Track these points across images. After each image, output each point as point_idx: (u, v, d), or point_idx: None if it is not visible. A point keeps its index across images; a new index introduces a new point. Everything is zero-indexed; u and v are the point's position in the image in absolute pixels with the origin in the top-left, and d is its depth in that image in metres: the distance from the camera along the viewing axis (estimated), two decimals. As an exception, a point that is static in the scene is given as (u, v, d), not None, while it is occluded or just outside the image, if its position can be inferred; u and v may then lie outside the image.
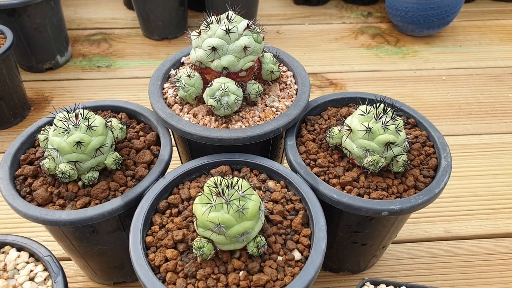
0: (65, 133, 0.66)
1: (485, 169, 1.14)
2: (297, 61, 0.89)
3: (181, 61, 0.90)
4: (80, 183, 0.71)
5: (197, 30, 0.76)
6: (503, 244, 0.96)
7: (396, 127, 0.68)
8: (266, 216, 0.65)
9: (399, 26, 1.69)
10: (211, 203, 0.56)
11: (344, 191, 0.69)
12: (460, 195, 1.07)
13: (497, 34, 1.71)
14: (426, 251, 0.95)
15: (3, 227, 0.99)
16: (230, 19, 0.73)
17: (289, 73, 0.87)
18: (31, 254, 0.65)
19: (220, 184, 0.57)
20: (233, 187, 0.57)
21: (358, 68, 1.54)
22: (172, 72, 0.87)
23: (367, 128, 0.68)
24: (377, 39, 1.69)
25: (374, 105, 0.70)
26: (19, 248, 0.65)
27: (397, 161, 0.69)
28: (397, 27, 1.73)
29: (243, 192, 0.57)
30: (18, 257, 0.64)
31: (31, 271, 0.63)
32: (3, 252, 0.65)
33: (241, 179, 0.59)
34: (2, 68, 1.15)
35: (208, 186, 0.57)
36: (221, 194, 0.56)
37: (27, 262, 0.64)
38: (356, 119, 0.70)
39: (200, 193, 0.59)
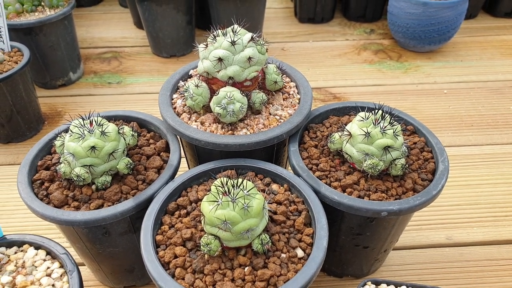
0: (80, 138, 0.71)
1: (486, 178, 1.16)
2: (299, 72, 0.93)
3: (189, 73, 0.94)
4: (93, 186, 0.75)
5: (204, 43, 0.81)
6: (506, 250, 0.98)
7: (394, 132, 0.71)
8: (270, 217, 0.68)
9: (401, 42, 1.74)
10: (217, 201, 0.59)
11: (345, 193, 0.72)
12: (462, 203, 1.09)
13: (498, 49, 1.75)
14: (428, 257, 0.97)
15: (21, 230, 1.03)
16: (235, 32, 0.78)
17: (292, 84, 0.92)
18: (48, 252, 0.69)
19: (226, 184, 0.61)
20: (239, 187, 0.61)
21: (361, 82, 1.58)
22: (181, 83, 0.92)
23: (366, 133, 0.71)
24: (379, 54, 1.74)
25: (373, 111, 0.74)
26: (37, 247, 0.69)
27: (396, 165, 0.72)
28: (399, 43, 1.78)
29: (247, 191, 0.60)
30: (36, 255, 0.68)
31: (48, 267, 0.66)
32: (22, 250, 0.69)
33: (245, 179, 0.62)
34: (19, 83, 1.21)
35: (215, 186, 0.61)
36: (227, 193, 0.60)
37: (44, 260, 0.67)
38: (356, 124, 0.74)
39: (207, 193, 0.62)
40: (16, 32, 1.35)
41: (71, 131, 0.72)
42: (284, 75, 0.93)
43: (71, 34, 1.48)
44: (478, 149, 1.26)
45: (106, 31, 1.93)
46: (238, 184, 0.61)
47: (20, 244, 0.69)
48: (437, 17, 1.57)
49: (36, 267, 0.66)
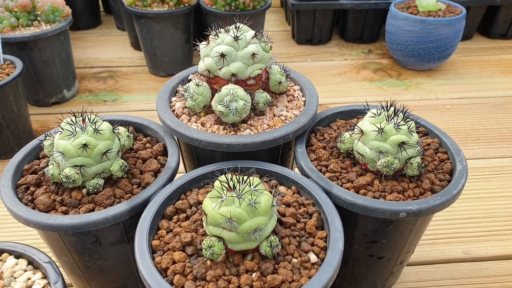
0: (72, 136, 0.65)
1: (498, 191, 1.11)
2: (303, 76, 0.90)
3: (189, 78, 0.90)
4: (84, 190, 0.69)
5: (205, 42, 0.77)
6: (527, 264, 0.91)
7: (408, 128, 0.67)
8: (278, 219, 0.62)
9: (400, 60, 1.73)
10: (222, 197, 0.54)
11: (359, 194, 0.66)
12: (476, 216, 1.03)
13: (496, 67, 1.75)
14: (446, 273, 0.90)
15: (8, 237, 0.96)
16: (238, 28, 0.74)
17: (296, 87, 0.88)
18: (30, 262, 0.61)
19: (231, 179, 0.55)
20: (245, 182, 0.55)
21: (361, 99, 1.55)
22: (180, 87, 0.87)
23: (379, 129, 0.66)
24: (379, 73, 1.72)
25: (385, 108, 0.69)
26: (18, 255, 0.62)
27: (411, 164, 0.67)
28: (398, 62, 1.77)
29: (254, 187, 0.55)
30: (16, 264, 0.61)
31: (29, 278, 0.59)
32: (0, 260, 0.62)
33: (252, 176, 0.57)
34: (9, 95, 1.17)
35: (220, 181, 0.55)
36: (233, 189, 0.54)
37: (25, 270, 0.60)
38: (367, 121, 0.69)
39: (211, 190, 0.56)
40: (10, 46, 1.31)
41: (61, 128, 0.66)
42: (288, 79, 0.89)
43: (66, 50, 1.45)
44: (487, 162, 1.22)
45: (103, 52, 1.91)
46: (244, 180, 0.55)
47: (-1, 252, 0.62)
48: (436, 34, 1.57)
49: (15, 278, 0.59)
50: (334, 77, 1.70)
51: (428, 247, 0.95)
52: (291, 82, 0.89)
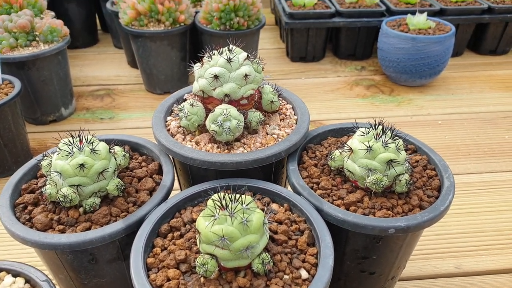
0: (69, 156, 0.67)
1: (489, 205, 1.13)
2: (295, 95, 0.92)
3: (184, 97, 0.92)
4: (81, 209, 0.70)
5: (199, 63, 0.80)
6: (518, 278, 0.93)
7: (396, 146, 0.69)
8: (270, 237, 0.64)
9: (392, 76, 1.76)
10: (214, 216, 0.55)
11: (349, 211, 0.68)
12: (468, 231, 1.05)
13: (486, 83, 1.78)
14: None
15: (3, 256, 0.97)
16: (231, 50, 0.77)
17: (288, 106, 0.90)
18: (27, 280, 0.62)
19: (224, 198, 0.57)
20: (237, 201, 0.57)
21: (355, 115, 1.58)
22: (175, 107, 0.90)
23: (367, 147, 0.68)
24: (371, 89, 1.76)
25: (373, 126, 0.71)
26: (15, 274, 0.63)
27: (400, 181, 0.69)
28: (390, 78, 1.80)
29: (246, 205, 0.56)
30: (14, 283, 0.62)
31: (26, 297, 0.60)
32: (-3, 279, 0.63)
33: (244, 194, 0.58)
34: (8, 115, 1.18)
35: (212, 200, 0.57)
36: (225, 207, 0.56)
37: (22, 289, 0.61)
38: (356, 140, 0.71)
39: (204, 209, 0.58)
40: (9, 66, 1.34)
41: (59, 148, 0.68)
42: (280, 98, 0.91)
43: (64, 69, 1.47)
44: (478, 177, 1.24)
45: (100, 70, 1.94)
46: (237, 198, 0.57)
47: (-4, 271, 0.64)
48: (426, 51, 1.61)
49: (12, 296, 0.60)
50: (327, 94, 1.73)
51: (420, 262, 0.97)
52: (283, 101, 0.92)
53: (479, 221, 1.07)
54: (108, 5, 1.84)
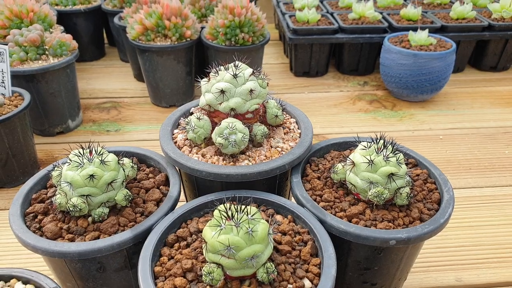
0: (79, 167, 0.69)
1: (489, 219, 1.14)
2: (299, 109, 0.95)
3: (190, 111, 0.95)
4: (90, 219, 0.72)
5: (206, 78, 0.82)
6: (518, 292, 0.93)
7: (397, 160, 0.71)
8: (274, 247, 0.65)
9: (395, 92, 1.79)
10: (220, 226, 0.57)
11: (351, 223, 0.70)
12: (467, 244, 1.06)
13: (487, 99, 1.81)
14: (439, 300, 0.92)
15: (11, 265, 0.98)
16: (237, 66, 0.79)
17: (292, 120, 0.92)
18: (37, 287, 0.64)
19: (230, 208, 0.59)
20: (242, 211, 0.58)
21: (357, 129, 1.60)
22: (182, 120, 0.92)
23: (369, 160, 0.70)
24: (374, 104, 1.78)
25: (375, 140, 0.74)
26: (25, 281, 0.64)
27: (401, 194, 0.71)
28: (392, 93, 1.83)
29: (252, 216, 0.58)
30: (24, 289, 0.63)
31: (36, 304, 0.61)
32: (8, 286, 0.64)
33: (249, 206, 0.60)
34: (17, 126, 1.21)
35: (219, 211, 0.59)
36: (231, 218, 0.58)
37: (32, 295, 0.63)
38: (358, 153, 0.73)
39: (210, 219, 0.60)
40: (19, 79, 1.37)
41: (69, 159, 0.70)
42: (284, 112, 0.94)
43: (72, 82, 1.51)
44: (479, 191, 1.25)
45: (107, 83, 1.98)
46: (242, 209, 0.59)
47: (7, 278, 0.65)
48: (428, 67, 1.64)
49: (23, 303, 0.62)
50: (330, 108, 1.76)
51: (422, 274, 0.98)
52: (287, 115, 0.94)
53: (479, 235, 1.09)
54: (115, 19, 1.89)
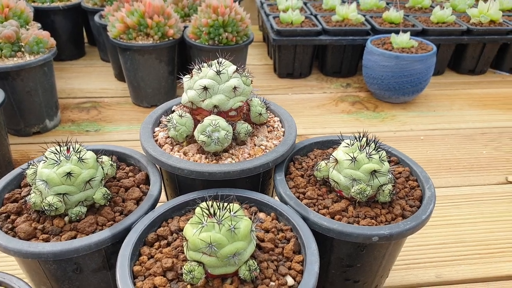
0: (56, 164, 0.67)
1: (468, 217, 1.16)
2: (283, 108, 0.94)
3: (172, 109, 0.94)
4: (66, 218, 0.70)
5: (189, 75, 0.81)
6: (495, 287, 0.95)
7: (379, 157, 0.71)
8: (257, 245, 0.64)
9: (377, 93, 1.81)
10: (202, 224, 0.56)
11: (334, 220, 0.69)
12: (448, 242, 1.07)
13: (465, 101, 1.84)
14: (420, 298, 0.93)
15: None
16: (220, 63, 0.78)
17: (276, 118, 0.92)
18: (9, 290, 0.61)
19: (212, 206, 0.57)
20: (225, 209, 0.57)
21: (340, 130, 1.60)
22: (163, 118, 0.90)
23: (352, 157, 0.70)
24: (356, 105, 1.79)
25: (358, 138, 0.74)
26: (-3, 283, 0.62)
27: (383, 191, 0.71)
28: (374, 95, 1.85)
29: (234, 213, 0.57)
30: (-5, 292, 0.61)
31: (8, 306, 0.59)
32: (-22, 289, 0.62)
33: (232, 203, 0.59)
34: (-9, 125, 1.17)
35: (201, 208, 0.57)
36: (213, 215, 0.56)
37: (3, 298, 0.60)
38: (341, 151, 0.73)
39: (191, 217, 0.58)
40: (-7, 77, 1.33)
41: (45, 157, 0.68)
42: (268, 111, 0.93)
43: (50, 80, 1.47)
44: (458, 190, 1.27)
45: (86, 82, 1.94)
46: (224, 206, 0.58)
47: (-22, 281, 0.62)
48: (409, 69, 1.66)
49: (-6, 305, 0.59)
50: (313, 109, 1.76)
51: (403, 271, 0.98)
52: (271, 113, 0.94)
53: (458, 232, 1.10)
54: (96, 18, 1.85)
